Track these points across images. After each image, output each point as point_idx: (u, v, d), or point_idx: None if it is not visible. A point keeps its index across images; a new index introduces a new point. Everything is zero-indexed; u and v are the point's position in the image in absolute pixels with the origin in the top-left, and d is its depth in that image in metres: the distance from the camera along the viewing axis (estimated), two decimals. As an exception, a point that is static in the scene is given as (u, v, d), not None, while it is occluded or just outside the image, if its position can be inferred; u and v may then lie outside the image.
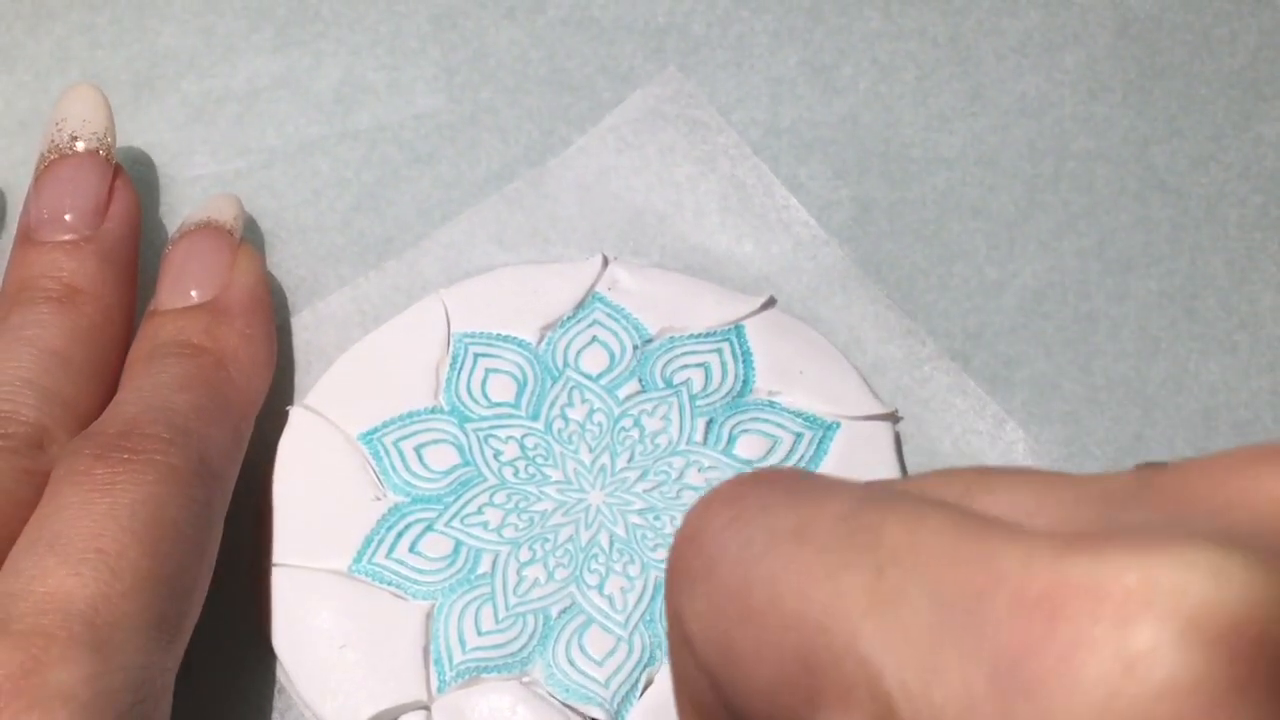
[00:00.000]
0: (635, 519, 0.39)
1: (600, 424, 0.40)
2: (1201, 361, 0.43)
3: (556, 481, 0.40)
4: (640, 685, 0.37)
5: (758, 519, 0.19)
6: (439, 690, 0.37)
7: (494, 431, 0.40)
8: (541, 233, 0.44)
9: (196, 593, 0.34)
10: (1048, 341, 0.43)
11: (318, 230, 0.44)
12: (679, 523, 0.38)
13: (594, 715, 0.37)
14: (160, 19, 0.49)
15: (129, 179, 0.40)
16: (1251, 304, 0.44)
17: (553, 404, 0.41)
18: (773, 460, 0.40)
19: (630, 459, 0.40)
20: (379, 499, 0.40)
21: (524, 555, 0.39)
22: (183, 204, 0.45)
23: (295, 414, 0.41)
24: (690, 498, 0.39)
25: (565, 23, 0.48)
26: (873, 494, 0.18)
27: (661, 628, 0.37)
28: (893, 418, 0.41)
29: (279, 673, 0.38)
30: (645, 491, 0.39)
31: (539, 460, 0.40)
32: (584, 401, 0.41)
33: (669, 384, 0.41)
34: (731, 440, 0.40)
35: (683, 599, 0.20)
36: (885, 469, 0.41)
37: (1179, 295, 0.44)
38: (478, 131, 0.46)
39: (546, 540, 0.39)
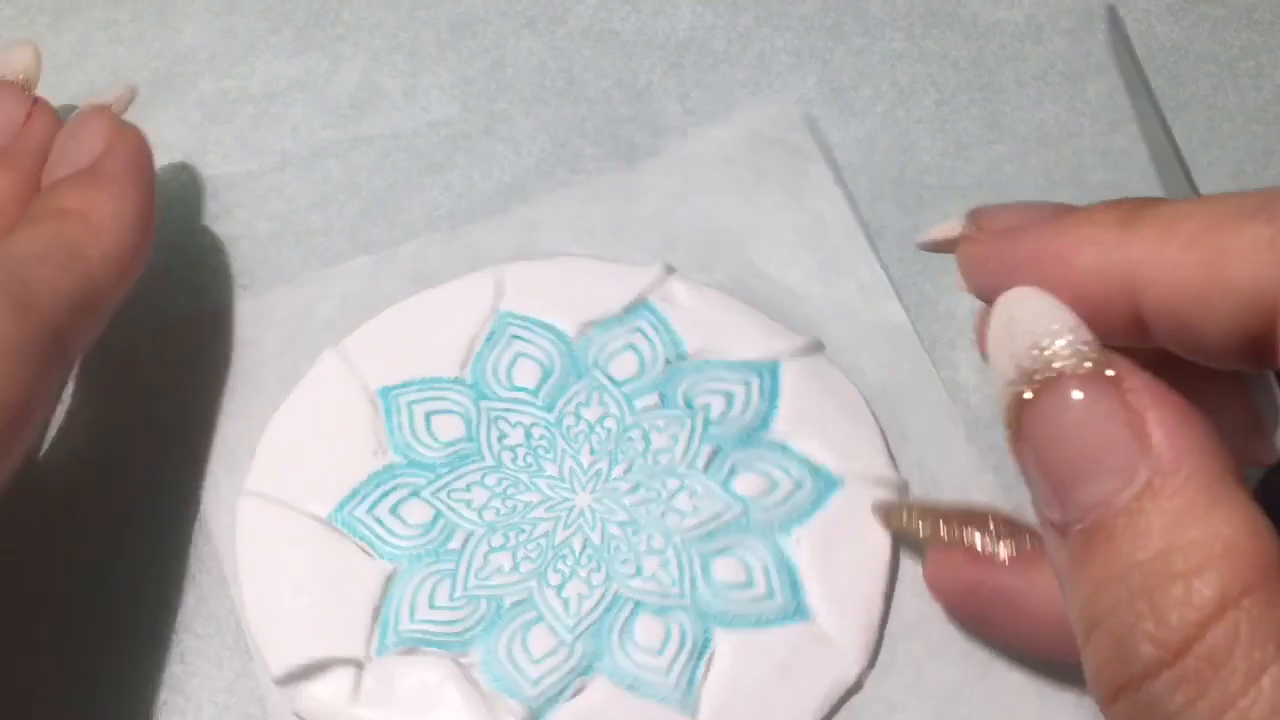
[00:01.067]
0: (614, 529, 0.39)
1: (609, 429, 0.40)
2: (1210, 402, 0.43)
3: (550, 476, 0.40)
4: (570, 691, 0.37)
5: None
6: (377, 652, 0.38)
7: (505, 414, 0.41)
8: (617, 230, 0.44)
9: (11, 421, 0.34)
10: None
11: (325, 234, 0.44)
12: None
13: (512, 710, 0.37)
14: (182, 18, 0.49)
15: (49, 108, 0.41)
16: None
17: (570, 399, 0.41)
18: (767, 501, 0.39)
19: (628, 469, 0.40)
20: (376, 454, 0.40)
21: (496, 540, 0.39)
22: (193, 203, 0.45)
23: (325, 358, 0.42)
24: (675, 521, 0.39)
25: (585, 34, 0.48)
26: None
27: (608, 639, 0.38)
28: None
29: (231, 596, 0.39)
30: (632, 505, 0.39)
31: (540, 451, 0.40)
32: (601, 404, 0.41)
33: (689, 405, 0.41)
34: (732, 473, 0.40)
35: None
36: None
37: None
38: (491, 142, 0.46)
39: (522, 531, 0.39)
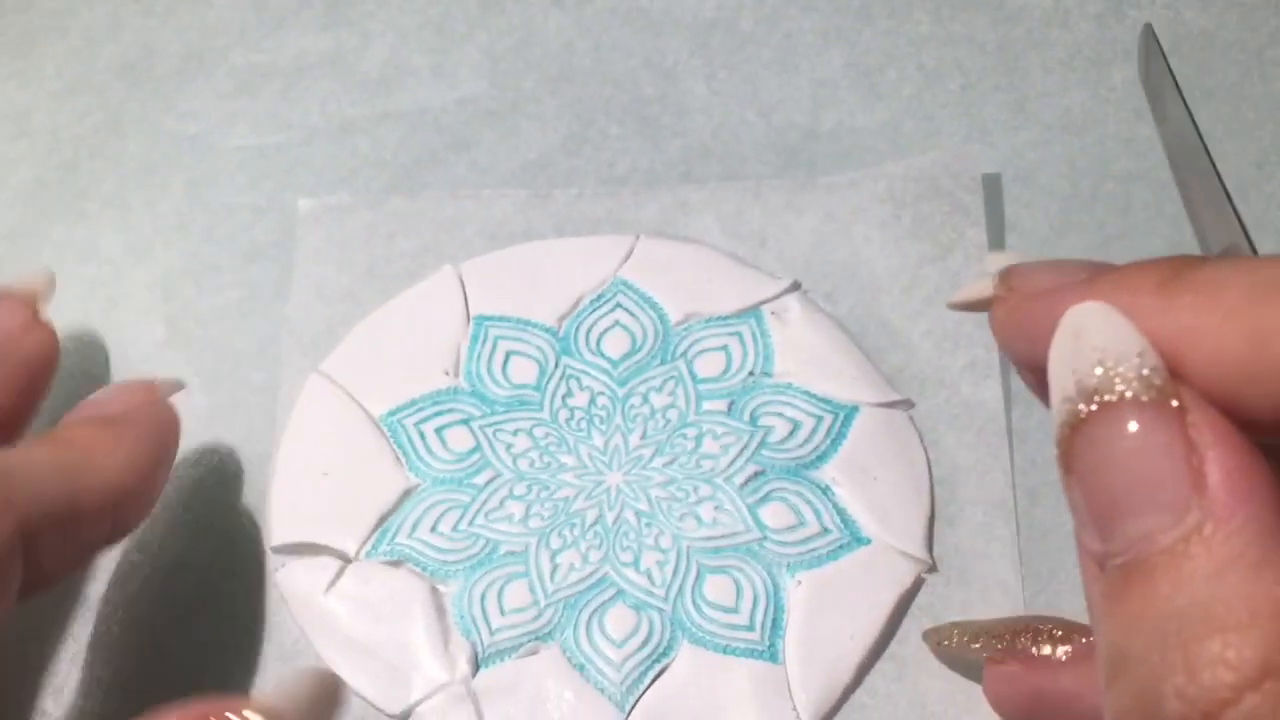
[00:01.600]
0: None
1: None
2: (1226, 392, 0.43)
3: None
4: (521, 651, 0.38)
5: None
6: (366, 555, 0.39)
7: (580, 375, 0.41)
8: (763, 235, 0.44)
9: None
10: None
11: (352, 209, 0.45)
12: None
13: (464, 649, 0.38)
14: (214, -11, 0.49)
15: (49, 329, 0.39)
16: (1282, 337, 0.43)
17: (645, 380, 0.41)
18: (788, 537, 0.40)
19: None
20: (448, 375, 0.42)
21: (519, 489, 0.40)
22: (221, 173, 0.46)
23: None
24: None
25: (613, 13, 0.48)
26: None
27: (577, 617, 0.38)
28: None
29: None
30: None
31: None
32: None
33: (753, 421, 0.41)
34: (765, 499, 0.40)
35: None
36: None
37: (1209, 324, 0.43)
38: (518, 119, 0.47)
39: (546, 488, 0.40)
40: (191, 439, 0.41)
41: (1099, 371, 0.25)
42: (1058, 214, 0.45)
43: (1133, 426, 0.25)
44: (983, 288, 0.30)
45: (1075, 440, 0.25)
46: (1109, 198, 0.45)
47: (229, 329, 0.43)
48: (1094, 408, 0.25)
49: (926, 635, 0.39)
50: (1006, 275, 0.30)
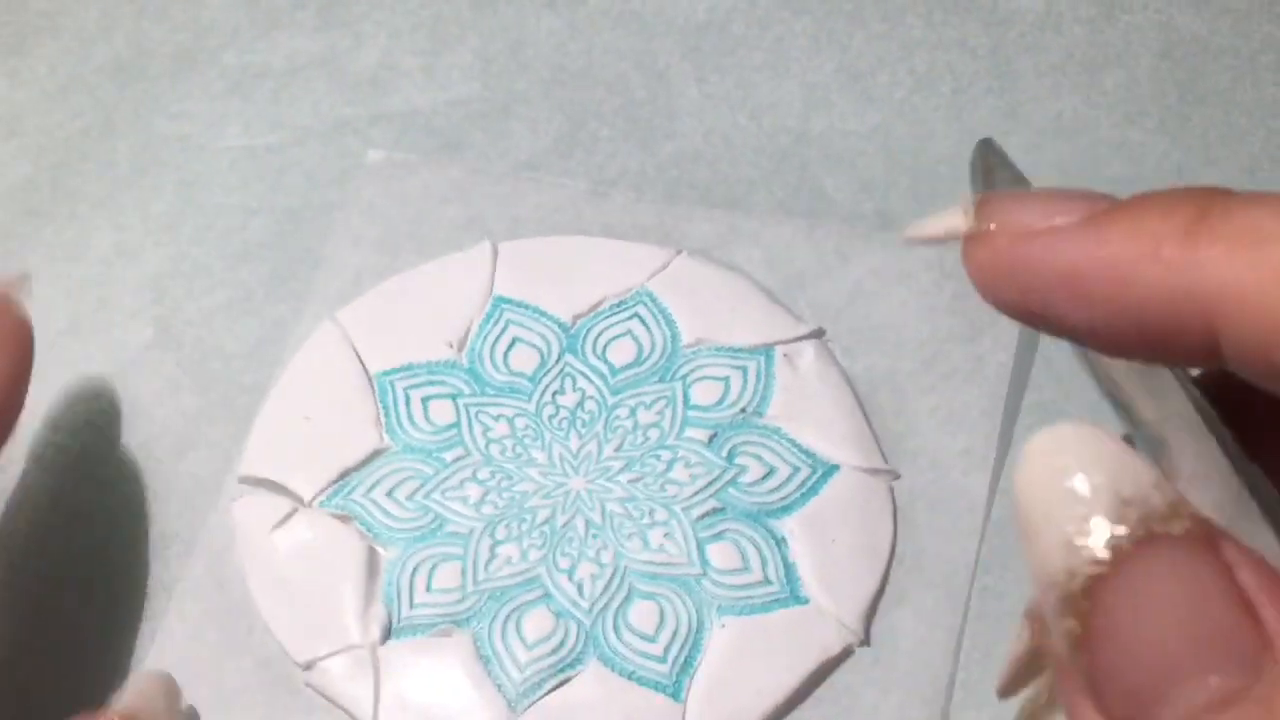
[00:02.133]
0: (614, 507, 0.40)
1: (591, 412, 0.41)
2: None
3: (541, 465, 0.40)
4: (551, 684, 0.38)
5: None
6: (387, 638, 0.39)
7: (486, 408, 0.41)
8: (802, 276, 0.43)
9: None
10: (1058, 369, 0.43)
11: (342, 209, 0.45)
12: (657, 515, 0.39)
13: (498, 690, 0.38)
14: (206, -10, 0.49)
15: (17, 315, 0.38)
16: (1271, 343, 0.43)
17: (545, 389, 0.41)
18: (768, 486, 0.40)
19: (618, 447, 0.40)
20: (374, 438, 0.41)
21: (500, 533, 0.39)
22: (212, 173, 0.46)
23: (324, 328, 0.42)
24: (672, 492, 0.40)
25: (605, 15, 0.48)
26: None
27: (612, 623, 0.38)
28: (891, 475, 0.41)
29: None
30: (629, 482, 0.40)
31: (526, 441, 0.41)
32: (575, 389, 0.41)
33: (686, 395, 0.41)
34: (731, 456, 0.40)
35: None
36: (882, 522, 0.40)
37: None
38: (509, 121, 0.47)
39: (524, 520, 0.40)
40: (182, 440, 0.41)
41: (1110, 514, 0.20)
42: (1048, 219, 0.45)
43: (1180, 571, 0.20)
44: (951, 219, 0.25)
45: (1103, 593, 0.20)
46: (1099, 203, 0.45)
47: (219, 330, 0.43)
48: (1116, 554, 0.20)
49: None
50: (985, 206, 0.25)
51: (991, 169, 0.28)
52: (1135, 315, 0.22)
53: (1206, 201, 0.22)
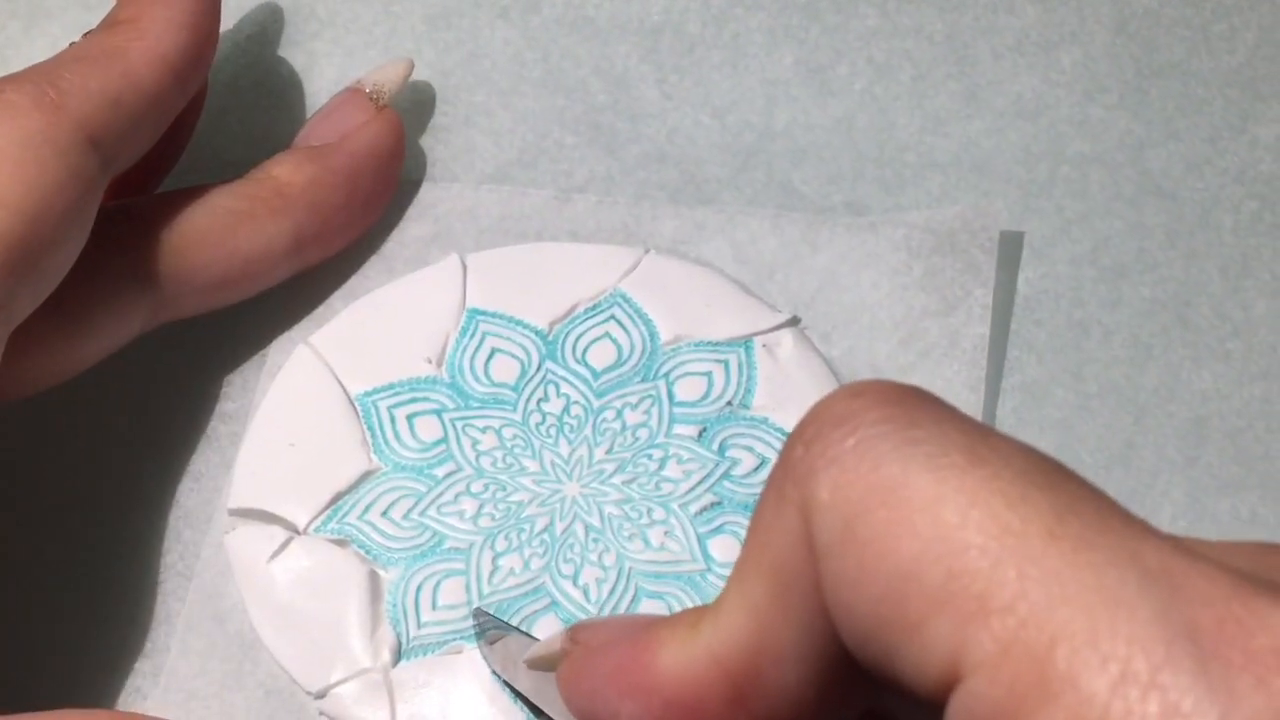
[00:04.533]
0: (611, 509, 0.40)
1: (578, 417, 0.41)
2: (1194, 369, 0.43)
3: (533, 473, 0.40)
4: None
5: (929, 429, 0.23)
6: (398, 660, 0.38)
7: (472, 421, 0.41)
8: (772, 268, 0.43)
9: (38, 223, 0.34)
10: (1039, 348, 0.43)
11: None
12: (655, 515, 0.39)
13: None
14: (155, 19, 0.49)
15: (392, 118, 0.44)
16: (1245, 311, 0.43)
17: (529, 398, 0.41)
18: (761, 477, 0.40)
19: (609, 450, 0.40)
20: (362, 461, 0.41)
21: (500, 545, 0.39)
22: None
23: (299, 353, 0.42)
24: (668, 489, 0.40)
25: (560, 22, 0.48)
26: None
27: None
28: None
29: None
30: (623, 484, 0.40)
31: (516, 450, 0.40)
32: (560, 395, 0.41)
33: (670, 392, 0.41)
34: (722, 450, 0.40)
35: (817, 471, 0.24)
36: None
37: (1172, 302, 0.44)
38: (471, 134, 0.46)
39: (522, 530, 0.39)
40: (177, 442, 0.42)
41: None
42: (1017, 200, 0.45)
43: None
44: (550, 644, 0.31)
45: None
46: (1066, 181, 0.45)
47: (213, 330, 0.43)
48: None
49: None
50: (574, 630, 0.30)
51: (484, 628, 0.38)
52: (664, 694, 0.27)
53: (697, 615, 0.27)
